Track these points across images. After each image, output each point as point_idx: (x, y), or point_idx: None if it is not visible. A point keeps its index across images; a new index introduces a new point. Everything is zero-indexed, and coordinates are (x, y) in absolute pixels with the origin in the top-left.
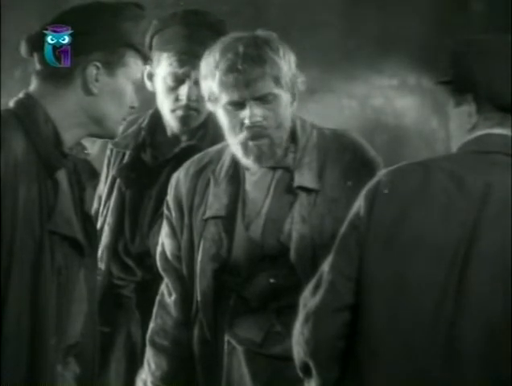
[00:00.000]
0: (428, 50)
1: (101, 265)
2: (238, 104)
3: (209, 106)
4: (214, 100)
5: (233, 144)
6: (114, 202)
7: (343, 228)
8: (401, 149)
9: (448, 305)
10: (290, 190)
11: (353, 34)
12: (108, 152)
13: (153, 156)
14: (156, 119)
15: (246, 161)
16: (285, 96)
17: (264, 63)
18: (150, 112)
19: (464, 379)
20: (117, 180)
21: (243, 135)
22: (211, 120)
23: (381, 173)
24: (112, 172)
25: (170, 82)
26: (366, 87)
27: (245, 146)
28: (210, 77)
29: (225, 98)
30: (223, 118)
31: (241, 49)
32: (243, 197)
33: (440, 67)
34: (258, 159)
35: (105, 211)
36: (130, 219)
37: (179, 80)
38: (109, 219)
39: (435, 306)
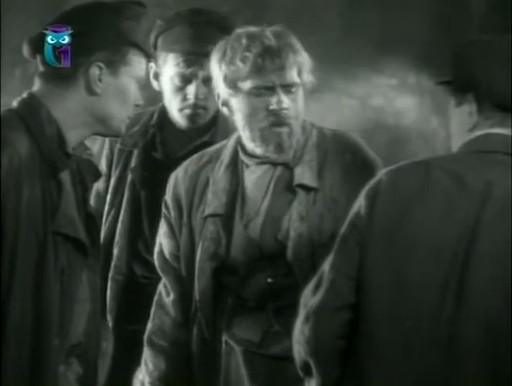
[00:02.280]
0: (428, 50)
1: (121, 265)
2: (266, 89)
3: (225, 94)
4: (236, 85)
5: (252, 131)
6: (128, 201)
7: (343, 228)
8: (401, 149)
9: (449, 303)
10: (289, 188)
11: (353, 34)
12: (106, 151)
13: (164, 153)
14: (164, 116)
15: (264, 150)
16: (302, 89)
17: (294, 51)
18: (158, 109)
19: (464, 378)
20: (128, 179)
21: (267, 120)
22: (221, 117)
23: (382, 172)
24: (116, 171)
25: (177, 82)
26: (366, 86)
27: (265, 133)
28: (239, 61)
29: (252, 82)
30: (243, 104)
31: (270, 36)
32: (242, 195)
33: (440, 67)
34: (279, 147)
35: (113, 211)
36: (148, 218)
37: (186, 80)
38: (122, 219)
39: (435, 305)
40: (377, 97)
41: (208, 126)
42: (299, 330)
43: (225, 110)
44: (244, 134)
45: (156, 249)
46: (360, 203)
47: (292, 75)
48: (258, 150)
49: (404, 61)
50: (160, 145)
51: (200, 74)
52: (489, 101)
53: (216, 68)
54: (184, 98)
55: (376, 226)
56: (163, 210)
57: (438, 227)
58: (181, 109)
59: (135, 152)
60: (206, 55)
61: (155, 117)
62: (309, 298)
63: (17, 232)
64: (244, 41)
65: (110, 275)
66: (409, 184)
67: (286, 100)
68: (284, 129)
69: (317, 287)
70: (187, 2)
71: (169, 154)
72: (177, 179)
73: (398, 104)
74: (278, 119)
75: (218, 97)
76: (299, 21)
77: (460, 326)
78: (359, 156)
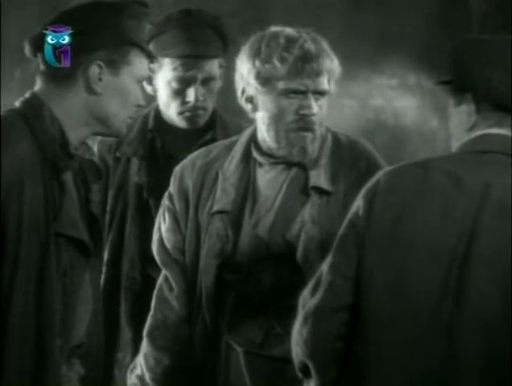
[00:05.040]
0: (428, 50)
1: (135, 274)
2: (298, 93)
3: (252, 90)
4: (269, 83)
5: (277, 132)
6: (134, 209)
7: (342, 228)
8: (401, 149)
9: (448, 304)
10: (303, 190)
11: (353, 34)
12: (97, 160)
13: (166, 157)
14: (161, 119)
15: (288, 152)
16: (327, 97)
17: (330, 58)
18: (152, 112)
19: (463, 379)
20: (131, 187)
21: (295, 124)
22: (219, 115)
23: (380, 173)
24: (115, 181)
25: (176, 85)
26: (366, 87)
27: (291, 136)
28: (277, 60)
29: (287, 83)
30: (272, 104)
31: (308, 40)
32: (253, 193)
33: (440, 67)
34: (303, 151)
35: (115, 221)
36: None
37: (185, 83)
38: (130, 228)
39: (434, 306)
40: (377, 97)
41: (207, 126)
42: (298, 332)
43: (248, 106)
44: (267, 134)
45: (156, 243)
46: (358, 204)
47: (324, 83)
48: (282, 152)
49: (404, 61)
50: (161, 149)
51: (199, 76)
52: (487, 101)
53: (248, 63)
54: (184, 101)
55: (374, 226)
56: (166, 202)
57: (437, 228)
58: (181, 112)
59: (134, 159)
60: (203, 57)
61: (151, 121)
62: (307, 299)
63: (19, 232)
64: (282, 41)
65: (123, 285)
66: (407, 185)
67: (315, 106)
68: (309, 134)
69: (315, 288)
70: (185, 2)
71: (171, 157)
72: (183, 172)
73: (398, 104)
74: (305, 124)
75: (243, 92)
76: (298, 21)
77: (459, 326)
78: (373, 165)
